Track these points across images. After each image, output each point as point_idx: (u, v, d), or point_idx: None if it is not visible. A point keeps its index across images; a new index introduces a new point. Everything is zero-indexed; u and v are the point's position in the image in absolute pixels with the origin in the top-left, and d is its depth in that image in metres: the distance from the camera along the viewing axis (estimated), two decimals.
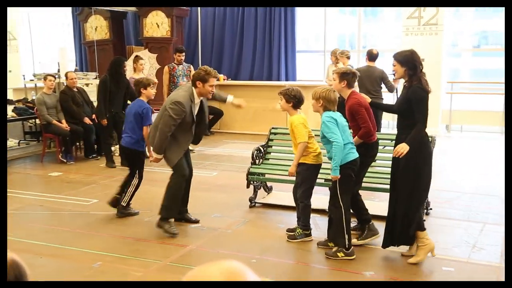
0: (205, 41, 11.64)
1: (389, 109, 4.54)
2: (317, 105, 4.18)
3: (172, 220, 4.79)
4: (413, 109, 3.92)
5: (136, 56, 8.85)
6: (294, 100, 4.47)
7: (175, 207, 4.79)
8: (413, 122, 3.94)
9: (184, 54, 8.88)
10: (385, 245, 4.20)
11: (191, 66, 9.10)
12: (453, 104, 10.39)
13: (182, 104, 4.51)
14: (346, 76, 4.37)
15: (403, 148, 3.92)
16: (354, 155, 4.15)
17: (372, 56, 7.69)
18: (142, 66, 8.52)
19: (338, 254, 4.16)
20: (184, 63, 8.95)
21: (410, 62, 3.96)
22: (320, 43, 11.66)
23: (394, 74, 4.14)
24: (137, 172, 5.19)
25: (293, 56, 11.18)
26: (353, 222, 4.54)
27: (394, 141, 4.15)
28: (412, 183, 3.98)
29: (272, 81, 10.99)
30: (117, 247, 4.45)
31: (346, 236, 4.13)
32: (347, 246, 4.15)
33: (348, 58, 8.47)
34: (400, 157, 3.94)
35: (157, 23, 10.89)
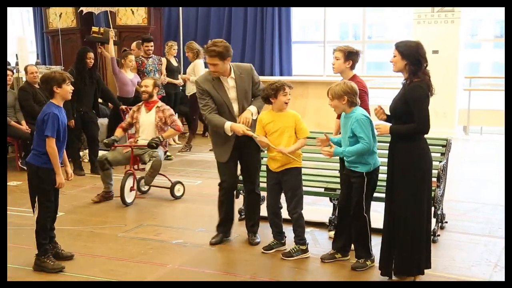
0: (187, 31, 11.65)
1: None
2: (342, 104, 4.14)
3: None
4: (411, 110, 3.83)
5: (125, 50, 8.87)
6: (357, 56, 4.56)
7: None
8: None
9: (152, 44, 8.92)
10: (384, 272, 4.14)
11: (163, 59, 9.12)
12: (472, 102, 10.47)
13: None
14: (352, 56, 4.51)
15: (383, 129, 3.97)
16: (379, 161, 4.26)
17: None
18: (132, 63, 8.60)
19: (367, 263, 4.32)
20: (153, 55, 8.97)
21: (413, 56, 3.86)
22: (320, 33, 11.75)
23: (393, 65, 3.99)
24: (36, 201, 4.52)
25: (288, 47, 11.24)
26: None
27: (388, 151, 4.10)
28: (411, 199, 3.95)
29: (265, 76, 10.99)
30: (86, 267, 4.45)
31: (370, 246, 4.31)
32: (372, 257, 4.32)
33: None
34: (378, 133, 4.05)
35: (131, 9, 10.89)
